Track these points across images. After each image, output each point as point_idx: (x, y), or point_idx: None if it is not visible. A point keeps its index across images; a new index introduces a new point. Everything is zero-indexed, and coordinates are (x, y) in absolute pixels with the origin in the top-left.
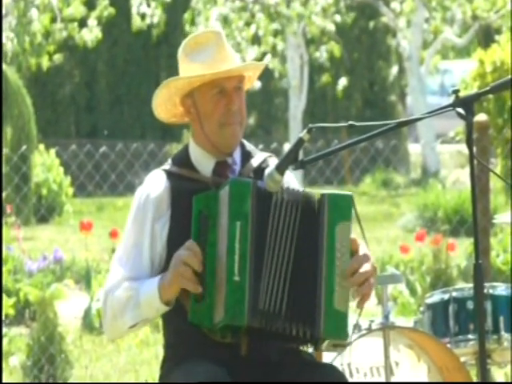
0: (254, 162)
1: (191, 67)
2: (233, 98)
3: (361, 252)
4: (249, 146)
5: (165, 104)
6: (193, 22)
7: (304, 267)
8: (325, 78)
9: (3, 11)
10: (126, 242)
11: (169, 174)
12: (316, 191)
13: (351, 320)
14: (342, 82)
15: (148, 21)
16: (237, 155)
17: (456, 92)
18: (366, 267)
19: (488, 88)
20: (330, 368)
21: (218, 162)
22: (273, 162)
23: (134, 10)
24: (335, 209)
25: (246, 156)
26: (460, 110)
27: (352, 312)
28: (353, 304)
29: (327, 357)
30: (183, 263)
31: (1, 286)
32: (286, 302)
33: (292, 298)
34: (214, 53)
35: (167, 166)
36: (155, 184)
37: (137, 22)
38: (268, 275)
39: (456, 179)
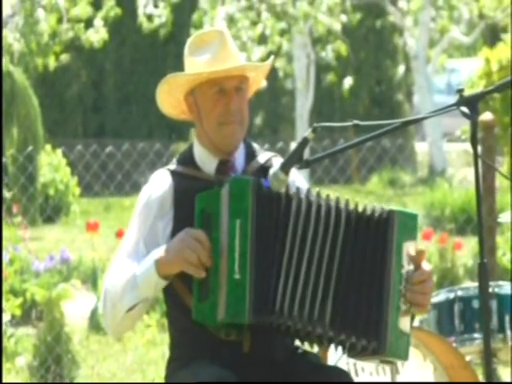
0: (258, 161)
1: (194, 65)
2: (232, 98)
3: (425, 267)
4: (253, 146)
5: (169, 100)
6: (200, 25)
7: (353, 276)
8: (331, 77)
9: (10, 11)
10: (128, 240)
11: (173, 173)
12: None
13: None
14: (348, 81)
15: (156, 22)
16: (241, 154)
17: (461, 91)
18: (429, 283)
19: (493, 87)
20: (337, 369)
21: (221, 161)
22: (277, 161)
23: (140, 11)
24: (403, 227)
25: (250, 155)
26: (464, 108)
27: None
28: None
29: (332, 356)
30: (190, 248)
31: (0, 287)
32: (319, 306)
33: (333, 303)
34: (215, 51)
35: (172, 165)
36: (159, 183)
37: (144, 23)
38: (284, 273)
39: (463, 178)
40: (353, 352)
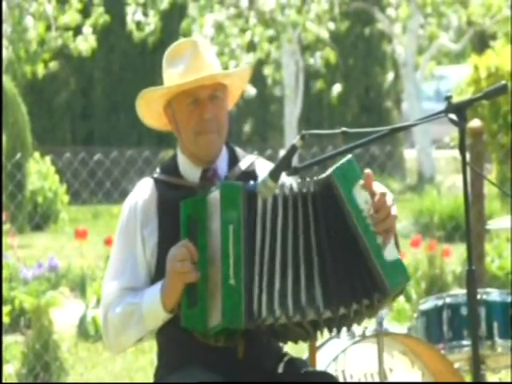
0: (241, 165)
1: (170, 77)
2: (206, 107)
3: (375, 188)
4: (236, 151)
5: (150, 114)
6: (189, 32)
7: (330, 250)
8: (320, 84)
9: None
10: (119, 253)
11: (157, 181)
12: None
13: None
14: (337, 88)
15: (145, 30)
16: (223, 160)
17: (449, 98)
18: (388, 201)
19: (481, 94)
20: (326, 375)
21: (205, 170)
22: (260, 163)
23: (128, 19)
24: (345, 178)
25: (233, 160)
26: (453, 115)
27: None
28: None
29: (321, 362)
30: (179, 260)
31: (1, 290)
32: (306, 292)
33: (321, 284)
34: (188, 62)
35: (156, 173)
36: (143, 191)
37: (134, 32)
38: (268, 273)
39: (451, 185)
40: (359, 317)
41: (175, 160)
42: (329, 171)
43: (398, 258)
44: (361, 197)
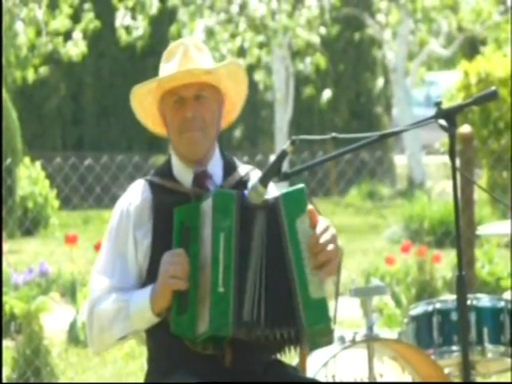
0: (237, 174)
1: (162, 74)
2: (189, 106)
3: (319, 223)
4: (232, 159)
5: (146, 117)
6: (179, 37)
7: (278, 270)
8: (310, 89)
9: None
10: (109, 253)
11: (151, 184)
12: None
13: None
14: (327, 93)
15: (133, 34)
16: (218, 167)
17: (439, 104)
18: (325, 237)
19: (471, 100)
20: (315, 382)
21: (197, 174)
22: (256, 175)
23: (117, 23)
24: (290, 205)
25: (229, 169)
26: (443, 121)
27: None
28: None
29: (311, 368)
30: (171, 265)
31: (1, 292)
32: (264, 309)
33: (270, 303)
34: (177, 62)
35: (150, 176)
36: (137, 193)
37: (123, 36)
38: (249, 286)
39: (442, 190)
40: (288, 344)
41: (169, 162)
42: (277, 194)
43: (324, 298)
44: (303, 228)
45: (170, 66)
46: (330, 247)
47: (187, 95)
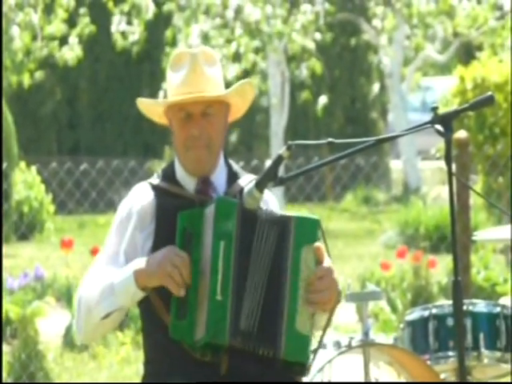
0: (240, 183)
1: (169, 82)
2: (196, 123)
3: (324, 263)
4: (235, 167)
5: (152, 115)
6: (174, 41)
7: (274, 289)
8: (306, 95)
9: None
10: (106, 250)
11: (154, 187)
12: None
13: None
14: (323, 99)
15: (129, 39)
16: (221, 175)
17: (435, 109)
18: (324, 280)
19: (467, 105)
20: None
21: (200, 180)
22: None
23: (113, 28)
24: (301, 232)
25: (232, 177)
26: (439, 126)
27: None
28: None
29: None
30: (172, 265)
31: (1, 294)
32: (258, 322)
33: (263, 319)
34: (184, 74)
35: (153, 179)
36: (140, 196)
37: (118, 41)
38: (248, 296)
39: (437, 196)
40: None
41: (173, 167)
42: (291, 214)
43: (308, 335)
44: (306, 258)
45: (177, 78)
46: (326, 293)
47: (195, 112)
